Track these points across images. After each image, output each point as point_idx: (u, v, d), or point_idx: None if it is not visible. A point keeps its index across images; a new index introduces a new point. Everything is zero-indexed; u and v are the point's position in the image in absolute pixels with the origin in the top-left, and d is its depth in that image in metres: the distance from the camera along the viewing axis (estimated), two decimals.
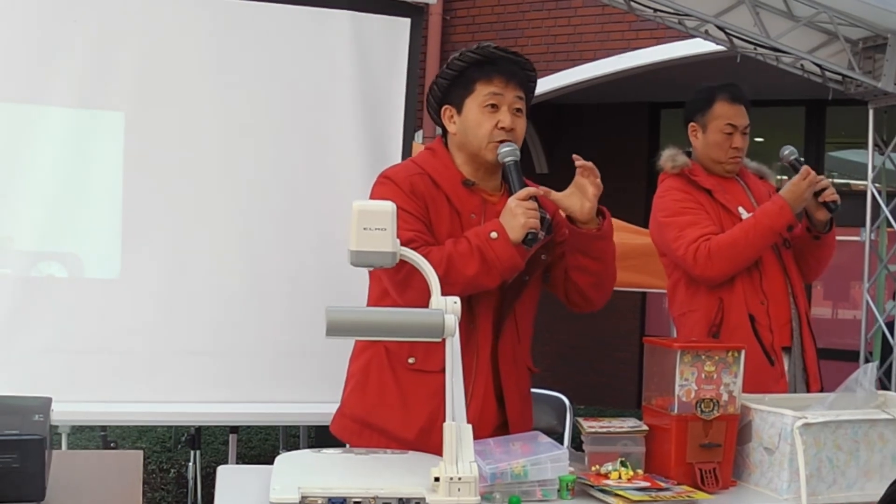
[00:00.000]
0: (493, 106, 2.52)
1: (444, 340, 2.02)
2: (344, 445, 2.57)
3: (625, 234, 5.41)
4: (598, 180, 2.52)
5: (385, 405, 2.52)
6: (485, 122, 2.53)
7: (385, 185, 2.53)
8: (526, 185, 2.47)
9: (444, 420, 2.34)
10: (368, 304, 2.60)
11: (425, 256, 2.24)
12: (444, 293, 2.21)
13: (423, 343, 2.42)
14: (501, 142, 2.52)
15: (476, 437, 2.06)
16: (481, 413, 2.50)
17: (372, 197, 2.52)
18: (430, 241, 2.44)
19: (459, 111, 2.57)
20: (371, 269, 2.38)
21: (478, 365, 2.53)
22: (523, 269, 2.50)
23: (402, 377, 2.51)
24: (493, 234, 2.39)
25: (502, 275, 2.44)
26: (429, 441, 2.40)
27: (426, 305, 2.23)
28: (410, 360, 2.49)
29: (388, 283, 2.47)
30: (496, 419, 2.58)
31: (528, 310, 2.65)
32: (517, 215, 2.40)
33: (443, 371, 2.36)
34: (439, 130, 2.72)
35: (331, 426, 2.66)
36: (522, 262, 2.46)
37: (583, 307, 2.70)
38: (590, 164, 2.52)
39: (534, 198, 2.47)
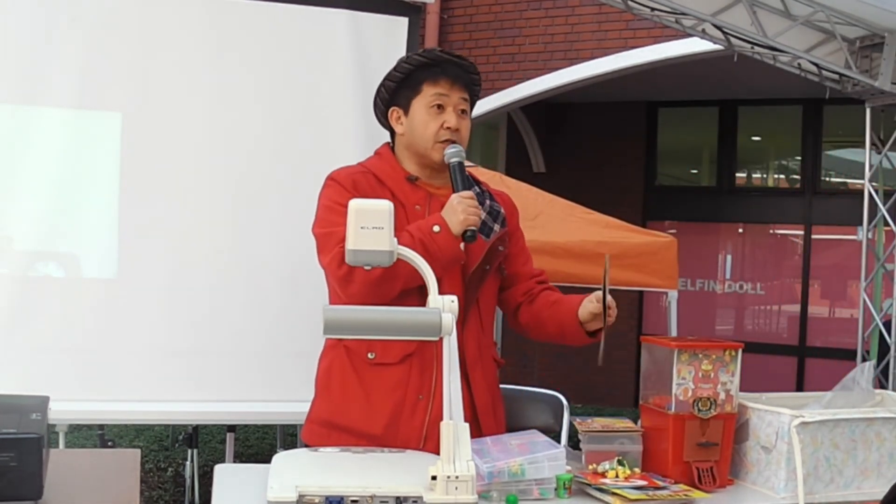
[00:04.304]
0: (439, 107, 2.59)
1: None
2: None
3: (622, 233, 5.41)
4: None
5: (349, 403, 2.52)
6: (431, 122, 2.59)
7: (328, 186, 2.59)
8: (470, 184, 2.55)
9: (407, 412, 2.46)
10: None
11: None
12: (387, 288, 2.36)
13: None
14: (447, 142, 2.57)
15: None
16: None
17: (320, 198, 2.60)
18: None
19: (406, 112, 2.62)
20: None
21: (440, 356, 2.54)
22: (482, 259, 2.56)
23: (363, 373, 2.52)
24: (436, 228, 2.45)
25: (443, 266, 2.46)
26: (396, 435, 2.43)
27: (369, 300, 2.36)
28: (370, 356, 2.51)
29: (332, 279, 2.50)
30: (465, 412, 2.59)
31: (490, 300, 2.69)
32: (457, 212, 2.46)
33: (401, 362, 2.47)
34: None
35: (300, 434, 2.66)
36: (463, 254, 2.51)
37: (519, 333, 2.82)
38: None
39: (483, 195, 2.61)
